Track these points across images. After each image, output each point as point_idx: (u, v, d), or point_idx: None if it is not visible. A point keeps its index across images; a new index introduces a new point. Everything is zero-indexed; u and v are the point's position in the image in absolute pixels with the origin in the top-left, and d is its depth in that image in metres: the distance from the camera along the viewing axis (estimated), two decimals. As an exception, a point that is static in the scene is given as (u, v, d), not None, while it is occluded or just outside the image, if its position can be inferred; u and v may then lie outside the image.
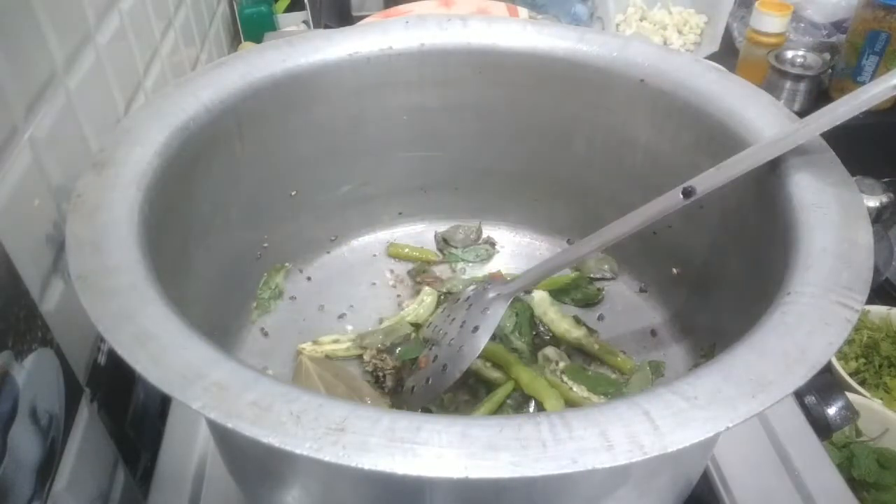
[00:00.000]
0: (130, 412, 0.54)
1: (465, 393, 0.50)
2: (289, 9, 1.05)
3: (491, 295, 0.47)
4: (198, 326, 0.31)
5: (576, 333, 0.53)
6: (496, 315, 0.46)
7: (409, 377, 0.49)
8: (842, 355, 0.78)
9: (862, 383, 0.75)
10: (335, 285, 0.59)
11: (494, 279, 0.52)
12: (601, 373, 0.52)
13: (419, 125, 0.57)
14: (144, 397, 0.56)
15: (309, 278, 0.59)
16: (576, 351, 0.53)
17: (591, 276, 0.59)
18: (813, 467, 0.49)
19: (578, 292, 0.57)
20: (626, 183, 0.55)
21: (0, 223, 0.38)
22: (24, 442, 0.38)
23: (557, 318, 0.53)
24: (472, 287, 0.53)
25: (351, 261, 0.61)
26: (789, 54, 1.00)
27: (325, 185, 0.57)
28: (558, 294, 0.57)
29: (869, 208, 0.74)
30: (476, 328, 0.45)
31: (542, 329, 0.54)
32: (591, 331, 0.54)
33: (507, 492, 0.31)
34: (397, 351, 0.52)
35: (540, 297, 0.54)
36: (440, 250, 0.62)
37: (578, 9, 1.06)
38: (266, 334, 0.55)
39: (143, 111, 0.43)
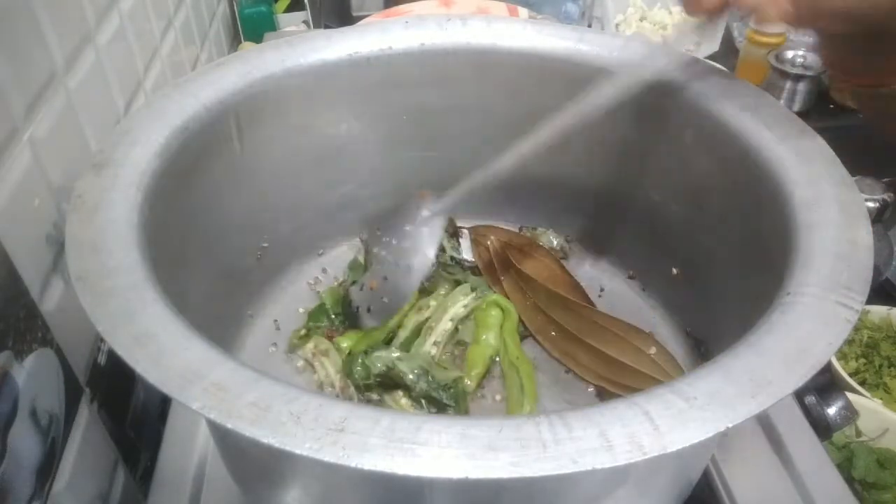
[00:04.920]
0: (130, 412, 0.54)
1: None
2: (289, 9, 1.05)
3: (425, 214, 0.49)
4: (197, 327, 0.31)
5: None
6: (436, 232, 0.49)
7: (358, 298, 0.52)
8: (842, 355, 0.78)
9: (862, 383, 0.75)
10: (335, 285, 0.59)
11: (423, 198, 0.52)
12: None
13: (419, 125, 0.57)
14: (144, 397, 0.56)
15: (309, 280, 0.59)
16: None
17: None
18: (813, 467, 0.49)
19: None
20: (625, 183, 0.55)
21: (0, 223, 0.38)
22: (24, 442, 0.38)
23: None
24: (400, 207, 0.53)
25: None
26: (789, 54, 1.00)
27: (326, 185, 0.57)
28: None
29: (869, 209, 0.73)
30: (420, 246, 0.48)
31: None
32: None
33: (506, 492, 0.31)
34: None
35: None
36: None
37: (569, 7, 1.06)
38: (266, 335, 0.55)
39: (143, 111, 0.43)
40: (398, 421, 0.26)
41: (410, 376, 0.47)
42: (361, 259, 0.56)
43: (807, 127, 0.43)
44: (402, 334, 0.52)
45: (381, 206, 0.61)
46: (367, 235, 0.56)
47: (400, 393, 0.48)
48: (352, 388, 0.49)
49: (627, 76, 0.42)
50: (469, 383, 0.50)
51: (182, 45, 0.76)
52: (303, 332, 0.53)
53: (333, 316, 0.54)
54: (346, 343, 0.51)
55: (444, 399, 0.47)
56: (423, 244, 0.48)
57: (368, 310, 0.50)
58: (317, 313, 0.54)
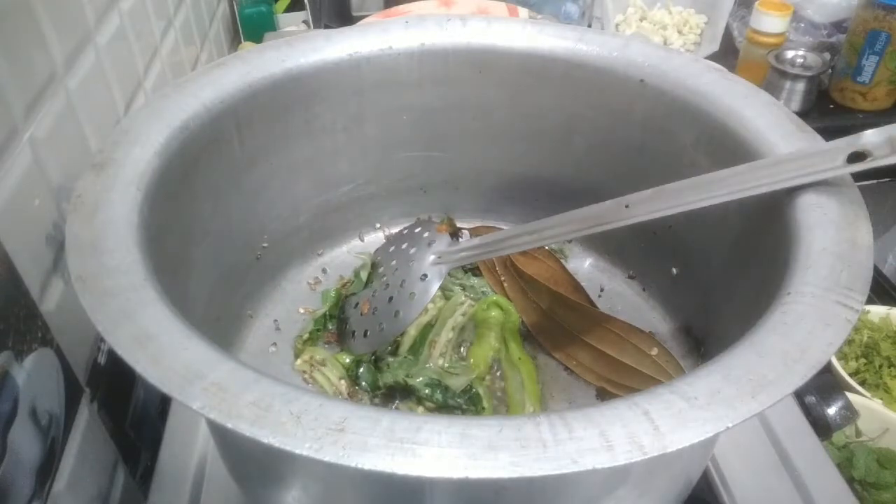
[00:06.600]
0: (130, 412, 0.54)
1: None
2: (289, 9, 1.05)
3: (431, 258, 0.48)
4: (197, 327, 0.31)
5: None
6: (437, 281, 0.48)
7: (355, 320, 0.51)
8: (842, 355, 0.78)
9: (862, 383, 0.75)
10: (336, 285, 0.59)
11: (439, 234, 0.51)
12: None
13: (419, 125, 0.57)
14: (144, 397, 0.57)
15: (309, 280, 0.59)
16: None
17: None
18: (813, 467, 0.49)
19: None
20: (626, 183, 0.55)
21: (0, 223, 0.38)
22: (24, 442, 0.38)
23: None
24: (417, 230, 0.53)
25: (351, 261, 0.61)
26: (789, 54, 1.00)
27: (326, 184, 0.57)
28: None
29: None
30: (413, 294, 0.48)
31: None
32: None
33: (506, 492, 0.31)
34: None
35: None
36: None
37: (569, 7, 1.07)
38: (266, 335, 0.55)
39: (143, 111, 0.43)
40: (398, 421, 0.26)
41: (426, 390, 0.48)
42: (364, 275, 0.55)
43: (806, 126, 0.43)
44: (407, 341, 0.51)
45: (391, 214, 0.62)
46: (380, 256, 0.55)
47: (416, 403, 0.49)
48: (361, 394, 0.49)
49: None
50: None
51: (182, 45, 0.76)
52: (305, 336, 0.53)
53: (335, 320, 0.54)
54: (347, 359, 0.51)
55: (462, 405, 0.48)
56: (415, 297, 0.47)
57: (365, 334, 0.50)
58: (321, 319, 0.54)
